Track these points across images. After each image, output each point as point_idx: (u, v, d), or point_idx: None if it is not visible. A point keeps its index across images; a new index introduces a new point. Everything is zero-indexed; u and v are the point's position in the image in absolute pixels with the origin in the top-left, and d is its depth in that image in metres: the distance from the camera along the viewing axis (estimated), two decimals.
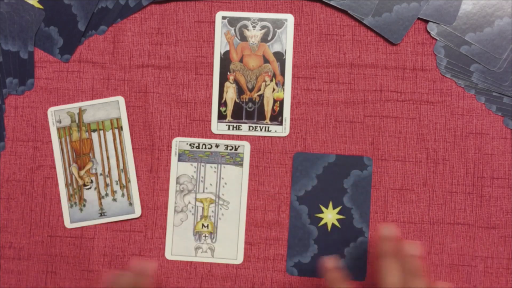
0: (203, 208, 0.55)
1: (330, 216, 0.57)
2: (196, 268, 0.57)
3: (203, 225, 0.55)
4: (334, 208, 0.57)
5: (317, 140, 0.58)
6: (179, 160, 0.54)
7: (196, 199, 0.54)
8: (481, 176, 0.57)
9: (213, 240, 0.55)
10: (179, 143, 0.55)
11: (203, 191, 0.54)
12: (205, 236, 0.55)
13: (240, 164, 0.55)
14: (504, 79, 0.56)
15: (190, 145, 0.55)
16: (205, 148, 0.55)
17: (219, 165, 0.54)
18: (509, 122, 0.57)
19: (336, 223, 0.57)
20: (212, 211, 0.54)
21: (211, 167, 0.55)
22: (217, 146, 0.55)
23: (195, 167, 0.54)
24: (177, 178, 0.55)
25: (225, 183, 0.55)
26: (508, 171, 0.57)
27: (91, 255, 0.57)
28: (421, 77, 0.57)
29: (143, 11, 0.59)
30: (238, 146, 0.55)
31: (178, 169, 0.54)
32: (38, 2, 0.58)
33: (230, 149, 0.55)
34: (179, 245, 0.56)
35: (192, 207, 0.54)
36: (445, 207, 0.57)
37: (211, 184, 0.54)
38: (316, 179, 0.57)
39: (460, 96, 0.57)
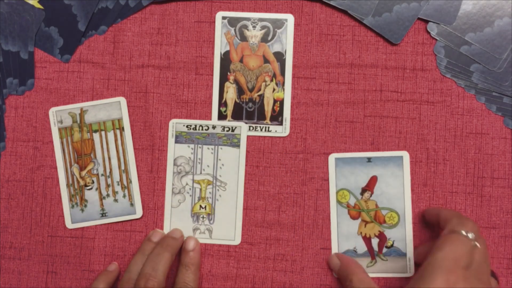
0: (200, 189, 0.55)
1: None
2: None
3: (200, 206, 0.55)
4: None
5: (317, 140, 0.58)
6: (176, 142, 0.54)
7: (193, 180, 0.54)
8: (481, 176, 0.57)
9: (211, 222, 0.55)
10: (175, 125, 0.55)
11: (201, 173, 0.54)
12: (202, 218, 0.55)
13: (237, 145, 0.55)
14: (504, 79, 0.56)
15: (187, 126, 0.55)
16: (202, 129, 0.55)
17: (216, 147, 0.55)
18: (509, 122, 0.57)
19: None
20: (210, 193, 0.55)
21: (208, 148, 0.55)
22: (214, 127, 0.55)
23: (192, 148, 0.54)
24: (174, 159, 0.55)
25: (222, 165, 0.55)
26: (508, 171, 0.57)
27: (91, 255, 0.57)
28: (421, 77, 0.57)
29: (143, 11, 0.59)
30: (235, 127, 0.55)
31: (175, 150, 0.55)
32: (38, 2, 0.58)
33: (227, 130, 0.56)
34: (177, 227, 0.57)
35: (190, 189, 0.55)
36: (445, 207, 0.57)
37: (208, 166, 0.54)
38: None
39: (460, 96, 0.57)
